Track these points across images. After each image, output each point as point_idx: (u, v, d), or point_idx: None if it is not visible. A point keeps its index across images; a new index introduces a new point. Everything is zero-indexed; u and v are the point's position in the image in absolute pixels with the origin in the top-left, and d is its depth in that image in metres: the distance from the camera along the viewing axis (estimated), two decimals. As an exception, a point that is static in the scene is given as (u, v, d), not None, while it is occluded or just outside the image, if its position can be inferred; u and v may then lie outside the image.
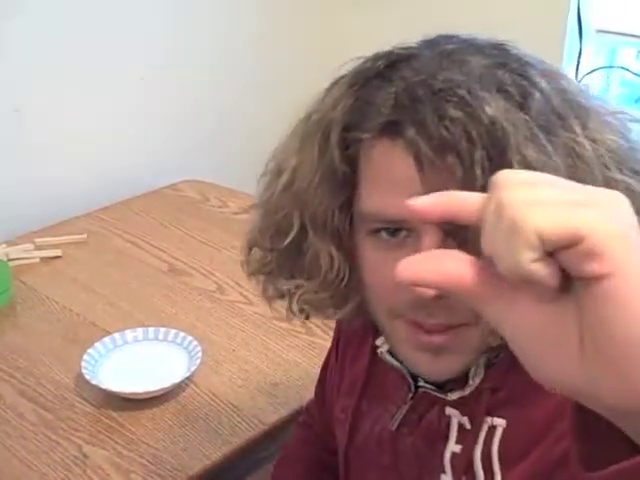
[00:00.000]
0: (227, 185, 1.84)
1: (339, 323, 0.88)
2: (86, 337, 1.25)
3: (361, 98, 0.62)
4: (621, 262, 0.31)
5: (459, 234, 0.54)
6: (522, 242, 0.32)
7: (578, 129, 0.59)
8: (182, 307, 1.38)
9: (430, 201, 0.36)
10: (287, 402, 1.14)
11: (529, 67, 0.60)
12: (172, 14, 1.91)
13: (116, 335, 1.23)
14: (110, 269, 1.51)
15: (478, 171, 0.55)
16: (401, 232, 0.61)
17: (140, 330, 1.25)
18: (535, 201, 0.33)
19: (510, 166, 0.55)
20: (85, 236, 1.62)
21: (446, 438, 0.69)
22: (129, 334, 1.24)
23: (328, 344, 0.93)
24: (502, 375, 0.65)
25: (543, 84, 0.59)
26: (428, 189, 0.37)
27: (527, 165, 0.55)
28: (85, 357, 1.17)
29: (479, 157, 0.55)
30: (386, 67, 0.62)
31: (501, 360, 0.65)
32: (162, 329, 1.25)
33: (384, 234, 0.62)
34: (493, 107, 0.56)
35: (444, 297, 0.56)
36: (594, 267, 0.31)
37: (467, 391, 0.67)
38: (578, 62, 1.84)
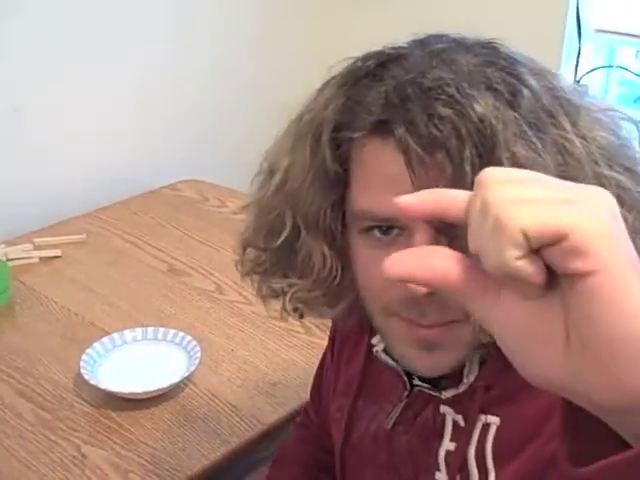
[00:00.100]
0: (226, 185, 1.84)
1: (335, 322, 0.88)
2: (85, 337, 1.25)
3: (352, 98, 0.63)
4: (606, 259, 0.31)
5: (451, 232, 0.54)
6: (507, 240, 0.32)
7: (568, 126, 0.59)
8: (181, 307, 1.38)
9: (417, 199, 0.37)
10: (286, 402, 1.14)
11: (518, 65, 0.61)
12: (172, 14, 1.91)
13: (115, 335, 1.23)
14: (109, 269, 1.51)
15: (468, 168, 0.56)
16: (393, 230, 0.61)
17: (139, 330, 1.25)
18: (520, 199, 0.33)
19: (500, 163, 0.55)
20: (84, 236, 1.62)
21: (441, 436, 0.70)
22: (128, 334, 1.24)
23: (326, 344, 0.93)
24: (495, 372, 0.65)
25: (532, 82, 0.60)
26: (418, 187, 0.38)
27: (516, 162, 0.55)
28: (84, 357, 1.17)
29: (468, 154, 0.56)
30: (376, 66, 0.62)
31: (494, 357, 0.65)
32: (161, 329, 1.25)
33: (376, 232, 0.62)
34: (482, 105, 0.57)
35: (435, 294, 0.57)
36: (578, 264, 0.32)
37: (461, 389, 0.68)
38: (577, 62, 1.84)
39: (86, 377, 1.13)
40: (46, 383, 1.18)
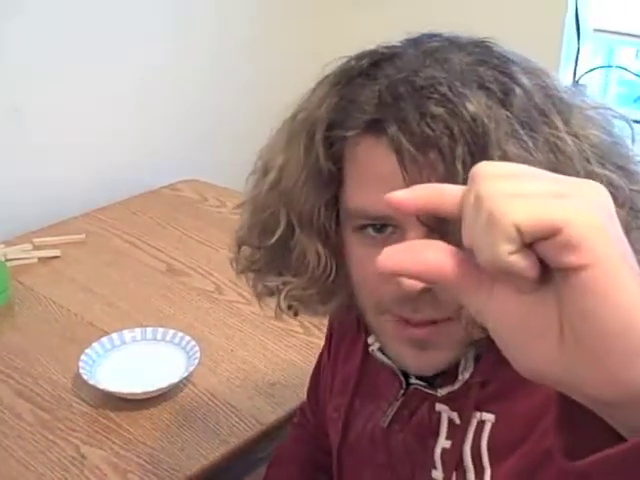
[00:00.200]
0: (225, 185, 1.84)
1: (331, 322, 0.88)
2: (84, 337, 1.25)
3: (345, 97, 0.63)
4: (600, 253, 0.31)
5: (443, 228, 0.55)
6: (500, 234, 0.32)
7: (560, 125, 0.59)
8: (180, 307, 1.38)
9: (410, 194, 0.36)
10: (285, 402, 1.14)
11: (511, 64, 0.61)
12: (172, 14, 1.91)
13: (114, 335, 1.23)
14: (108, 269, 1.51)
15: (459, 167, 0.56)
16: (387, 228, 0.62)
17: (138, 330, 1.25)
18: (513, 193, 0.33)
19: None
20: (83, 236, 1.62)
21: (436, 434, 0.70)
22: (127, 334, 1.24)
23: (325, 344, 0.93)
24: (490, 368, 0.66)
25: (525, 80, 0.60)
26: (411, 185, 0.37)
27: (508, 161, 0.55)
28: (83, 357, 1.17)
29: (460, 153, 0.56)
30: (370, 66, 0.63)
31: (489, 353, 0.65)
32: (160, 329, 1.25)
33: (370, 230, 0.63)
34: (474, 103, 0.57)
35: (429, 291, 0.57)
36: (572, 258, 0.31)
37: (456, 386, 0.68)
38: (576, 61, 1.84)
39: (85, 377, 1.13)
40: (45, 383, 1.18)
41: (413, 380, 0.72)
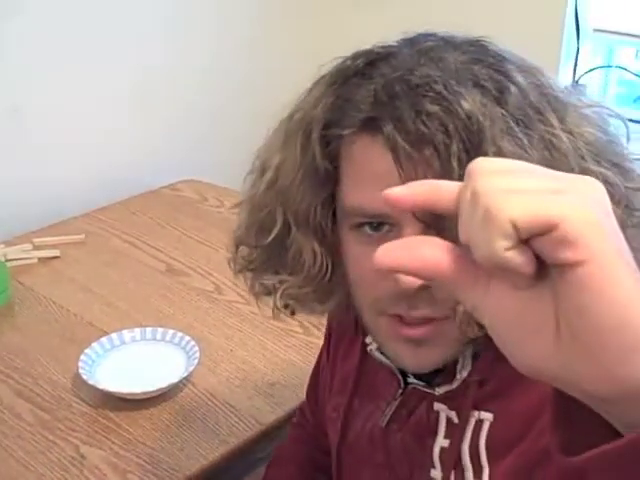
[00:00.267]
0: (225, 185, 1.84)
1: (330, 322, 0.88)
2: (84, 337, 1.25)
3: (341, 96, 0.63)
4: (596, 249, 0.31)
5: (440, 225, 0.55)
6: (496, 230, 0.32)
7: (555, 122, 0.60)
8: (180, 307, 1.38)
9: (406, 190, 0.37)
10: (284, 402, 1.14)
11: (506, 62, 0.61)
12: (171, 15, 1.91)
13: (113, 335, 1.23)
14: (108, 269, 1.51)
15: (455, 164, 0.56)
16: (384, 226, 0.62)
17: (138, 330, 1.25)
18: (509, 189, 0.33)
19: None
20: (83, 236, 1.62)
21: (435, 433, 0.70)
22: (127, 334, 1.24)
23: (324, 344, 0.93)
24: (488, 367, 0.66)
25: (520, 79, 0.60)
26: (407, 183, 0.37)
27: (503, 157, 0.56)
28: (82, 357, 1.17)
29: (456, 150, 0.56)
30: (365, 65, 0.63)
31: (487, 351, 0.66)
32: (160, 329, 1.25)
33: (367, 229, 0.63)
34: (469, 101, 0.57)
35: (426, 289, 0.58)
36: (568, 254, 0.31)
37: (454, 385, 0.68)
38: (576, 61, 1.84)
39: (85, 377, 1.13)
40: (45, 383, 1.18)
41: (411, 379, 0.72)
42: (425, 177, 0.56)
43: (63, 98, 1.73)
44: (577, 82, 1.80)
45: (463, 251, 0.35)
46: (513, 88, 0.59)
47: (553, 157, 0.58)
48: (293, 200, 0.67)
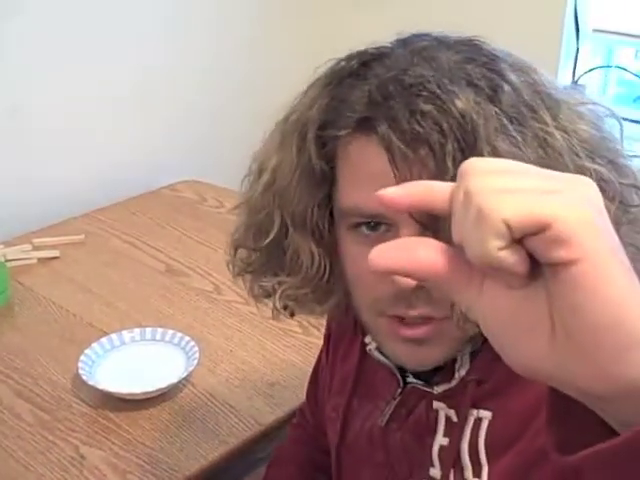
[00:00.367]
0: (225, 186, 1.84)
1: (330, 322, 0.89)
2: (83, 338, 1.25)
3: (336, 97, 0.64)
4: (589, 248, 0.31)
5: (436, 225, 0.55)
6: (489, 230, 0.32)
7: (549, 120, 0.60)
8: (179, 307, 1.38)
9: (400, 190, 0.37)
10: (284, 402, 1.14)
11: (499, 61, 0.62)
12: (171, 15, 1.91)
13: (113, 336, 1.23)
14: (107, 270, 1.51)
15: (450, 163, 0.57)
16: (380, 226, 0.62)
17: (137, 330, 1.25)
18: (502, 189, 0.33)
19: (481, 157, 0.56)
20: (83, 237, 1.62)
21: (434, 432, 0.70)
22: (126, 334, 1.24)
23: (324, 344, 0.93)
24: (487, 365, 0.66)
25: (513, 77, 0.61)
26: (402, 182, 0.37)
27: (498, 156, 0.56)
28: (82, 358, 1.17)
29: (450, 149, 0.57)
30: (360, 66, 0.64)
31: (485, 350, 0.66)
32: (159, 329, 1.25)
33: (364, 229, 0.63)
34: (463, 100, 0.58)
35: (424, 288, 0.58)
36: (561, 253, 0.31)
37: (453, 383, 0.68)
38: (575, 61, 1.84)
39: (84, 378, 1.13)
40: (44, 384, 1.18)
41: (410, 379, 0.72)
42: (420, 177, 0.57)
43: (63, 98, 1.73)
44: (576, 82, 1.80)
45: (457, 251, 0.35)
46: (506, 87, 0.60)
47: (547, 155, 0.59)
48: (290, 201, 0.67)
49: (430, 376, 0.70)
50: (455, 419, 0.69)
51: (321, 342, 0.93)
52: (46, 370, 1.21)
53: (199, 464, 1.03)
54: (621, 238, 0.33)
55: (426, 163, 0.57)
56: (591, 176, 0.57)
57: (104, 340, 1.22)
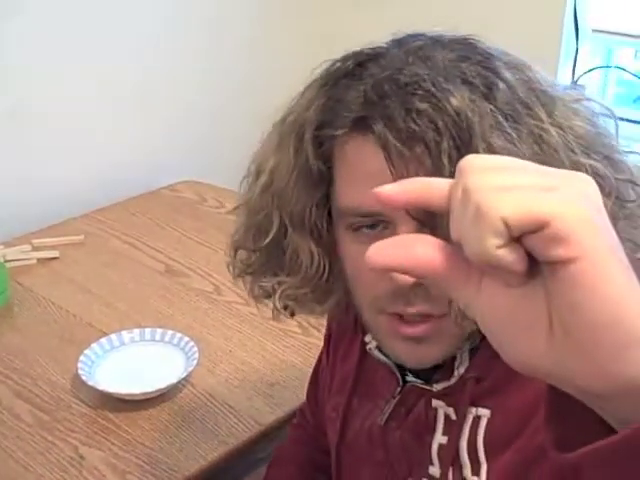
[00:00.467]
0: (225, 186, 1.84)
1: (330, 322, 0.89)
2: (83, 338, 1.25)
3: (332, 97, 0.64)
4: (588, 246, 0.31)
5: (434, 223, 0.55)
6: (487, 228, 0.32)
7: (544, 116, 0.60)
8: (179, 308, 1.38)
9: (397, 188, 0.36)
10: (284, 402, 1.14)
11: (494, 59, 0.62)
12: (171, 15, 1.91)
13: (113, 336, 1.23)
14: (107, 270, 1.51)
15: (445, 161, 0.57)
16: (379, 225, 0.63)
17: (137, 331, 1.25)
18: (500, 186, 0.33)
19: (477, 154, 0.56)
20: (82, 237, 1.62)
21: (433, 430, 0.70)
22: (126, 335, 1.24)
23: (324, 345, 0.93)
24: (485, 363, 0.66)
25: (508, 75, 0.61)
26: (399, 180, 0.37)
27: (493, 153, 0.56)
28: (82, 358, 1.17)
29: (446, 147, 0.57)
30: (355, 66, 0.64)
31: (483, 347, 0.66)
32: (159, 330, 1.25)
33: (362, 228, 0.64)
34: (458, 98, 0.58)
35: (422, 285, 0.58)
36: (560, 251, 0.31)
37: (452, 381, 0.68)
38: (575, 62, 1.84)
39: (84, 378, 1.13)
40: (44, 384, 1.18)
41: (410, 377, 0.73)
42: (417, 175, 0.57)
43: (63, 98, 1.73)
44: (576, 82, 1.80)
45: (455, 249, 0.35)
46: (501, 84, 0.60)
47: (543, 151, 0.59)
48: (288, 202, 0.68)
49: (429, 375, 0.70)
50: (454, 417, 0.69)
51: (321, 343, 0.93)
52: (45, 370, 1.21)
53: (199, 464, 1.03)
54: (618, 234, 0.33)
55: (422, 161, 0.58)
56: (587, 172, 0.58)
57: (103, 340, 1.22)
